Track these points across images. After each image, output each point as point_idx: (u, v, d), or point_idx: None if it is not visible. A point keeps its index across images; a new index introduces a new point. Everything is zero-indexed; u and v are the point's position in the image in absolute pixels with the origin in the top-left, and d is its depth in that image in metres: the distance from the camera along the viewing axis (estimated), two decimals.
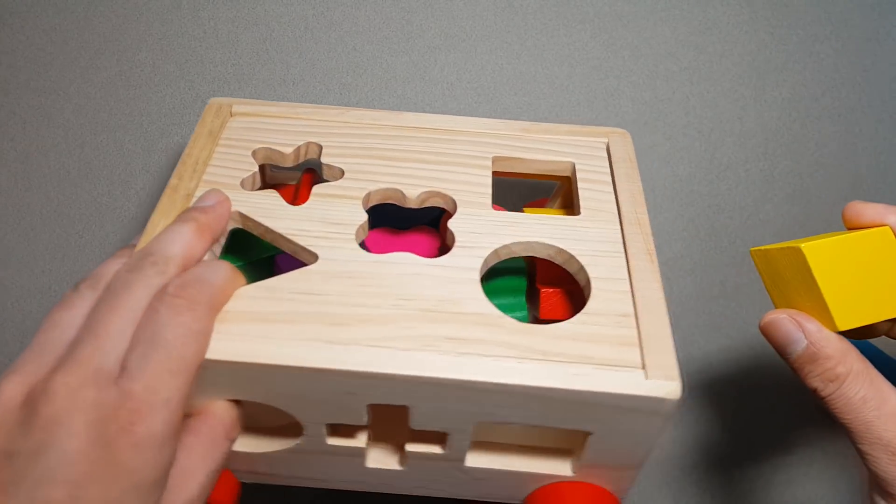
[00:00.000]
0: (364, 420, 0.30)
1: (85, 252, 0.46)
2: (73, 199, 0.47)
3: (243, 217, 0.33)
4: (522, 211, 0.38)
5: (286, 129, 0.37)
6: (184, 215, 0.31)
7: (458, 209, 0.34)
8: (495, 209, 0.35)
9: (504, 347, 0.29)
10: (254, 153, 0.36)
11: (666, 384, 0.27)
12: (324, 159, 0.36)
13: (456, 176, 0.36)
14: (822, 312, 0.28)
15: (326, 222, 0.33)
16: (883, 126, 0.49)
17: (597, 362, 0.28)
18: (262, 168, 0.37)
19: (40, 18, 0.48)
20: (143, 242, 0.31)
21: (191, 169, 0.34)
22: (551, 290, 0.36)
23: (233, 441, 0.30)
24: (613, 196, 0.36)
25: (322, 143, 0.37)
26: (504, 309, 0.32)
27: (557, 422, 0.29)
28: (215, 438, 0.29)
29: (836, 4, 0.50)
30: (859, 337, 0.35)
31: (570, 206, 0.39)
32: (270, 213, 0.33)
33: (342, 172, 0.36)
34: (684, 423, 0.45)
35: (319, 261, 0.31)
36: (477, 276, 0.31)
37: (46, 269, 0.46)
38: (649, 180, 0.48)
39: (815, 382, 0.28)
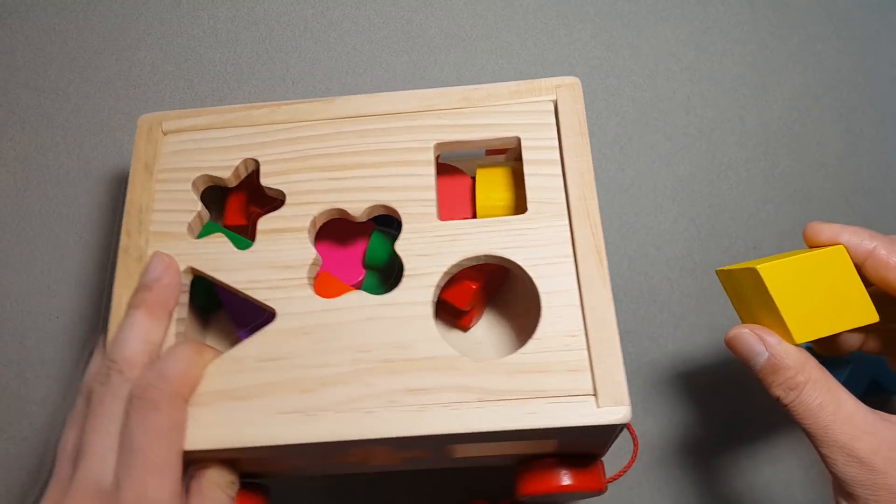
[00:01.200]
0: (349, 455, 0.32)
1: (85, 252, 0.46)
2: (72, 200, 0.47)
3: (195, 270, 0.34)
4: (475, 174, 0.37)
5: (220, 143, 0.36)
6: (133, 299, 0.32)
7: (404, 225, 0.33)
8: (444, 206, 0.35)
9: (461, 392, 0.30)
10: (193, 184, 0.35)
11: (615, 410, 0.29)
12: (263, 180, 0.35)
13: (398, 180, 0.34)
14: (781, 327, 0.30)
15: (277, 267, 0.33)
16: (884, 126, 0.49)
17: (550, 395, 0.30)
18: (205, 191, 0.37)
19: (40, 18, 0.48)
20: (110, 332, 0.32)
21: (136, 221, 0.34)
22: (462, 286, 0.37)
23: (233, 496, 0.32)
24: (562, 179, 0.34)
25: (258, 158, 0.35)
26: None
27: (522, 445, 0.32)
28: (216, 499, 0.31)
29: (836, 4, 0.50)
30: (832, 353, 0.36)
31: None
32: (221, 263, 0.33)
33: (283, 195, 0.34)
34: (685, 424, 0.45)
35: (278, 317, 0.32)
36: (429, 311, 0.32)
37: (46, 269, 0.46)
38: (649, 180, 0.48)
39: (777, 391, 0.31)
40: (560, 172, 0.34)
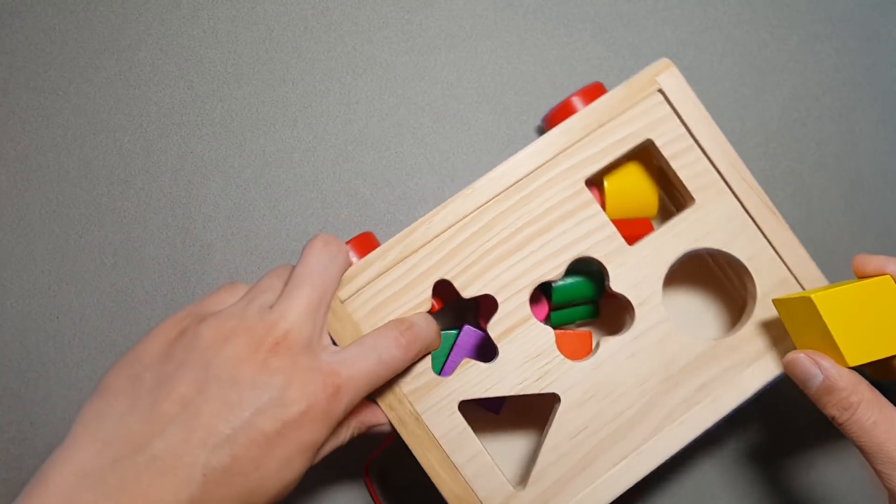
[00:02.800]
0: None
1: (85, 252, 0.46)
2: (72, 199, 0.47)
3: (466, 400, 0.36)
4: (604, 184, 0.39)
5: (403, 282, 0.36)
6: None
7: (608, 267, 0.36)
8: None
9: (734, 368, 0.36)
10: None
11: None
12: (465, 293, 0.36)
13: (577, 231, 0.36)
14: (834, 351, 0.33)
15: (531, 359, 0.36)
16: (884, 126, 0.49)
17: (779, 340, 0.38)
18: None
19: (40, 18, 0.48)
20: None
21: (391, 393, 0.36)
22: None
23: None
24: (706, 160, 0.37)
25: (446, 277, 0.36)
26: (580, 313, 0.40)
27: None
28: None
29: (836, 4, 0.50)
30: (884, 377, 0.38)
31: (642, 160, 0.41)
32: (485, 385, 0.36)
33: (493, 298, 0.36)
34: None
35: (562, 398, 0.35)
36: (668, 325, 0.36)
37: (46, 270, 0.46)
38: None
39: (832, 411, 0.33)
40: (702, 155, 0.37)
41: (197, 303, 0.34)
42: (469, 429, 0.36)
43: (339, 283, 0.35)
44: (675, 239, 0.36)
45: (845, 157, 0.49)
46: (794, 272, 0.37)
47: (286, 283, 0.33)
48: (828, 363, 0.33)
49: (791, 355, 0.35)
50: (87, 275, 0.46)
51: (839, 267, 0.47)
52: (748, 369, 0.36)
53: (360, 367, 0.32)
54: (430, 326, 0.36)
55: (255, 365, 0.30)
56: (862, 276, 0.36)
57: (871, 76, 0.50)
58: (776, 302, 0.36)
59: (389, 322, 0.35)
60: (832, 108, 0.49)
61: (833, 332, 0.33)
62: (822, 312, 0.33)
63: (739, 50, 0.49)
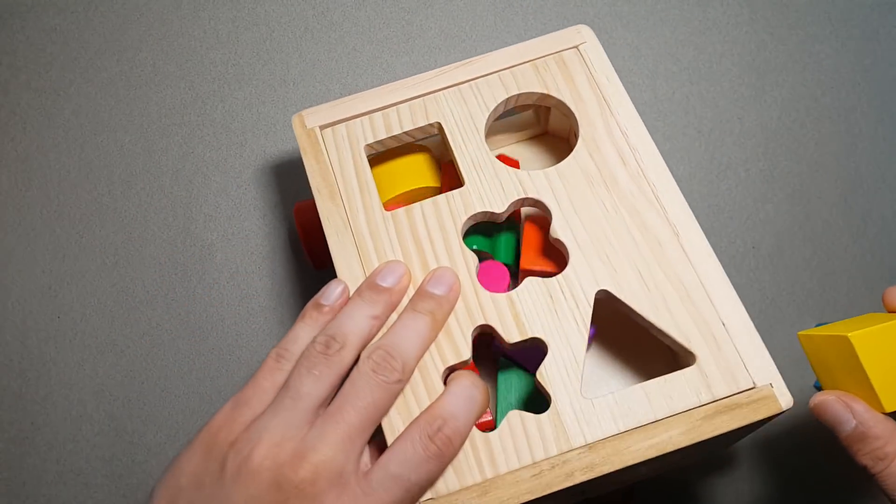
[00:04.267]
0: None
1: (85, 252, 0.47)
2: (73, 200, 0.47)
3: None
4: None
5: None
6: (418, 305, 0.33)
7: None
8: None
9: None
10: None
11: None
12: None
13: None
14: (869, 394, 0.30)
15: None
16: (883, 126, 0.49)
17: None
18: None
19: (40, 18, 0.48)
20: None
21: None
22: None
23: None
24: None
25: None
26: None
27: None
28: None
29: (835, 4, 0.50)
30: None
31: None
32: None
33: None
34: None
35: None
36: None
37: (46, 270, 0.46)
38: None
39: (865, 460, 0.30)
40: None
41: (236, 397, 0.32)
42: None
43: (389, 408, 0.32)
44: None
45: (844, 157, 0.49)
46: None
47: (333, 402, 0.31)
48: (861, 407, 0.30)
49: (820, 397, 0.32)
50: (87, 275, 0.46)
51: (839, 267, 0.47)
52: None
53: (386, 499, 0.29)
54: (465, 408, 0.31)
55: None
56: (893, 311, 0.32)
57: (871, 76, 0.50)
58: (802, 337, 0.33)
59: (415, 423, 0.31)
60: (831, 109, 0.49)
61: (870, 374, 0.30)
62: (858, 353, 0.30)
63: (739, 50, 0.49)
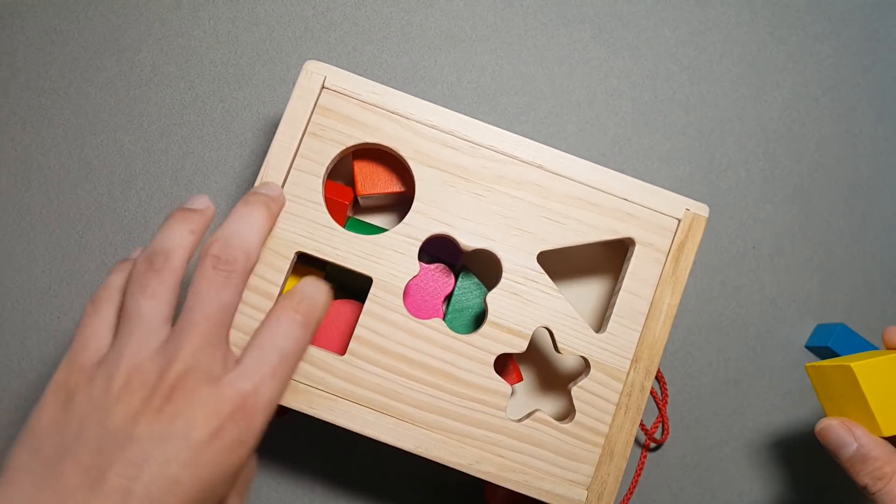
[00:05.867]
0: None
1: (85, 252, 0.47)
2: (73, 199, 0.47)
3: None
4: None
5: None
6: (251, 197, 0.34)
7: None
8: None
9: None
10: None
11: None
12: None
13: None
14: (869, 420, 0.33)
15: None
16: (883, 126, 0.49)
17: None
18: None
19: (40, 19, 0.48)
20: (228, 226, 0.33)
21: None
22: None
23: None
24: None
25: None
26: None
27: None
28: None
29: (836, 4, 0.50)
30: None
31: None
32: None
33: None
34: (683, 423, 0.45)
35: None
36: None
37: (46, 269, 0.46)
38: (649, 181, 0.48)
39: (864, 480, 0.33)
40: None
41: (71, 350, 0.31)
42: None
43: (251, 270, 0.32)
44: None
45: (844, 157, 0.49)
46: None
47: (180, 319, 0.30)
48: (861, 432, 0.33)
49: (824, 422, 0.35)
50: (87, 275, 0.46)
51: (839, 267, 0.47)
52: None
53: (264, 372, 0.30)
54: (319, 290, 0.33)
55: (151, 416, 0.28)
56: (891, 348, 0.36)
57: (871, 76, 0.50)
58: (809, 368, 0.37)
59: (279, 302, 0.32)
60: (831, 109, 0.49)
61: (871, 402, 0.33)
62: (860, 381, 0.33)
63: (739, 50, 0.49)
